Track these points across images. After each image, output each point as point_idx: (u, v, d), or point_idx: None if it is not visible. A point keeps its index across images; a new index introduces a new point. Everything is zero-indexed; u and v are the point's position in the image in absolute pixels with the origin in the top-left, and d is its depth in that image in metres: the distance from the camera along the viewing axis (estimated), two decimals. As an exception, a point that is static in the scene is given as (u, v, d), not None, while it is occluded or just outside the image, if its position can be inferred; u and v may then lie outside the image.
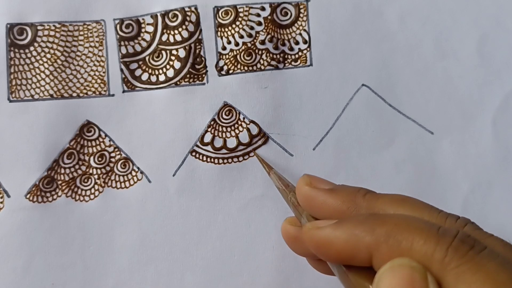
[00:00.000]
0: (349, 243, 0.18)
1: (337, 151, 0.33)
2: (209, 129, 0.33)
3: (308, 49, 0.34)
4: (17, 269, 0.31)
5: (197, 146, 0.33)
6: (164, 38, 0.34)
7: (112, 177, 0.33)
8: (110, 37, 0.34)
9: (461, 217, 0.19)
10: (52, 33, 0.33)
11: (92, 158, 0.33)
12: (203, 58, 0.34)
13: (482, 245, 0.16)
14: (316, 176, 0.24)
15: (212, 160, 0.33)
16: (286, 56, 0.34)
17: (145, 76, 0.34)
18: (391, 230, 0.17)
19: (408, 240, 0.17)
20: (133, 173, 0.33)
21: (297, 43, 0.34)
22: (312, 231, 0.20)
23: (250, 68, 0.33)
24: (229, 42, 0.34)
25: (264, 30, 0.34)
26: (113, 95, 0.33)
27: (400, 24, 0.34)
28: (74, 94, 0.33)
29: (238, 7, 0.34)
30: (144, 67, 0.34)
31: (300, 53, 0.34)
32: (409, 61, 0.34)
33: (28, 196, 0.32)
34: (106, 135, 0.33)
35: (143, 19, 0.34)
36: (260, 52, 0.33)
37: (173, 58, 0.34)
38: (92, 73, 0.33)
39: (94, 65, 0.33)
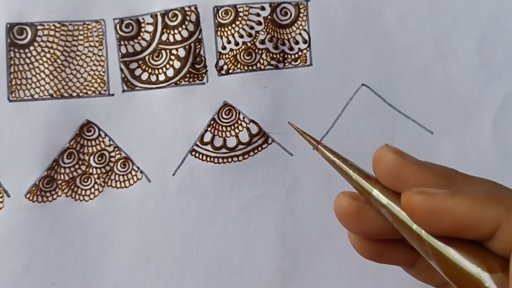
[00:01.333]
0: (474, 211, 0.16)
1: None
2: (209, 129, 0.33)
3: (308, 49, 0.34)
4: (17, 268, 0.31)
5: (197, 145, 0.33)
6: (164, 37, 0.34)
7: (112, 177, 0.33)
8: (110, 37, 0.34)
9: None
10: (52, 32, 0.33)
11: (92, 157, 0.33)
12: (203, 58, 0.34)
13: None
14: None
15: (212, 159, 0.33)
16: (286, 56, 0.34)
17: (145, 76, 0.34)
18: None
19: None
20: (133, 173, 0.33)
21: (297, 42, 0.34)
22: (422, 196, 0.18)
23: (250, 67, 0.33)
24: (229, 42, 0.34)
25: (264, 30, 0.34)
26: (113, 94, 0.33)
27: (400, 24, 0.34)
28: (74, 94, 0.33)
29: (238, 6, 0.34)
30: (144, 67, 0.34)
31: (300, 53, 0.34)
32: (409, 61, 0.34)
33: (28, 196, 0.32)
34: (106, 135, 0.33)
35: (143, 18, 0.34)
36: (260, 52, 0.33)
37: (173, 57, 0.34)
38: (92, 72, 0.33)
39: (94, 64, 0.33)
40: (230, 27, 0.34)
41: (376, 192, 0.21)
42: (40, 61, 0.33)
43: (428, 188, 0.18)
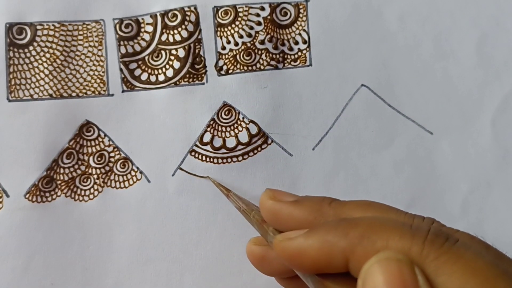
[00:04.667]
0: (323, 250, 0.18)
1: (336, 151, 0.33)
2: (208, 129, 0.33)
3: (308, 49, 0.34)
4: (16, 269, 0.31)
5: (197, 145, 0.33)
6: (164, 38, 0.34)
7: (112, 177, 0.33)
8: (110, 37, 0.34)
9: (426, 217, 0.19)
10: (51, 32, 0.33)
11: (91, 158, 0.33)
12: (202, 58, 0.34)
13: (455, 237, 0.17)
14: (278, 189, 0.24)
15: (212, 159, 0.33)
16: (285, 56, 0.34)
17: (144, 76, 0.34)
18: (364, 231, 0.17)
19: (383, 239, 0.17)
20: (133, 173, 0.33)
21: (296, 43, 0.34)
22: (284, 242, 0.19)
23: (250, 68, 0.33)
24: (228, 42, 0.34)
25: (264, 30, 0.34)
26: (112, 95, 0.33)
27: (400, 24, 0.34)
28: (74, 94, 0.33)
29: (237, 7, 0.34)
30: (143, 67, 0.34)
31: (299, 53, 0.34)
32: (408, 61, 0.34)
33: (27, 196, 0.32)
34: (105, 135, 0.33)
35: (142, 19, 0.34)
36: (259, 52, 0.33)
37: (172, 58, 0.34)
38: (91, 72, 0.33)
39: (94, 64, 0.33)
40: (229, 27, 0.34)
41: (270, 234, 0.22)
42: (40, 61, 0.33)
43: (290, 233, 0.20)
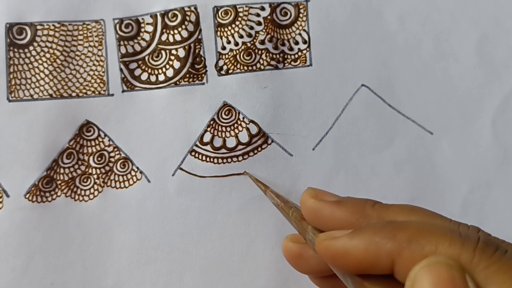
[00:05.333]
0: (369, 251, 0.18)
1: (336, 151, 0.33)
2: (208, 129, 0.33)
3: (308, 49, 0.34)
4: (16, 269, 0.31)
5: (197, 145, 0.33)
6: (164, 37, 0.34)
7: (112, 177, 0.33)
8: (110, 37, 0.34)
9: (470, 225, 0.19)
10: (51, 32, 0.33)
11: (91, 158, 0.33)
12: (202, 58, 0.34)
13: (504, 247, 0.17)
14: (321, 189, 0.24)
15: (212, 159, 0.33)
16: (285, 56, 0.34)
17: (144, 76, 0.34)
18: (413, 235, 0.17)
19: (432, 244, 0.17)
20: (133, 173, 0.33)
21: (296, 43, 0.34)
22: (327, 241, 0.19)
23: (250, 68, 0.33)
24: (228, 42, 0.34)
25: (264, 30, 0.34)
26: (112, 94, 0.33)
27: (400, 24, 0.34)
28: (74, 94, 0.33)
29: (237, 7, 0.34)
30: (143, 67, 0.34)
31: (299, 53, 0.34)
32: (408, 61, 0.34)
33: (27, 196, 0.32)
34: (105, 135, 0.33)
35: (142, 18, 0.34)
36: (259, 52, 0.33)
37: (172, 57, 0.34)
38: (91, 72, 0.33)
39: (94, 64, 0.33)
40: (230, 27, 0.34)
41: (309, 233, 0.22)
42: (40, 61, 0.33)
43: (334, 232, 0.20)
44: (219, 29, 0.34)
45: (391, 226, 0.18)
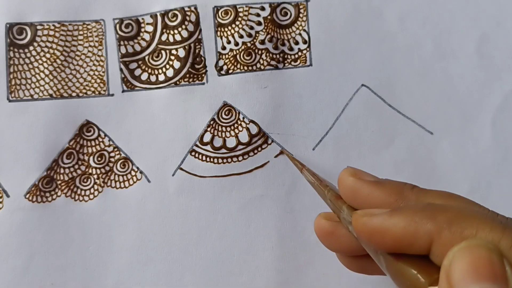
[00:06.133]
0: (408, 230, 0.18)
1: (336, 151, 0.33)
2: (208, 129, 0.33)
3: (308, 49, 0.34)
4: (16, 269, 0.31)
5: (197, 145, 0.33)
6: (164, 37, 0.34)
7: (112, 177, 0.33)
8: (110, 37, 0.34)
9: (508, 217, 0.19)
10: (51, 32, 0.33)
11: (91, 158, 0.33)
12: (202, 58, 0.34)
13: None
14: (359, 168, 0.24)
15: (212, 159, 0.33)
16: (285, 56, 0.34)
17: (144, 76, 0.34)
18: (453, 217, 0.17)
19: (472, 227, 0.17)
20: (133, 173, 0.33)
21: (296, 43, 0.34)
22: (365, 218, 0.19)
23: (250, 68, 0.33)
24: (228, 42, 0.34)
25: (264, 30, 0.34)
26: (112, 94, 0.33)
27: (400, 24, 0.34)
28: (74, 94, 0.33)
29: (238, 7, 0.34)
30: (143, 67, 0.34)
31: (299, 53, 0.34)
32: (408, 61, 0.34)
33: (27, 196, 0.32)
34: (105, 135, 0.33)
35: (142, 18, 0.34)
36: (259, 52, 0.33)
37: (172, 57, 0.34)
38: (91, 72, 0.33)
39: (94, 64, 0.33)
40: (230, 27, 0.34)
41: (344, 211, 0.22)
42: (40, 61, 0.33)
43: (372, 210, 0.20)
44: (219, 29, 0.34)
45: (432, 208, 0.18)
